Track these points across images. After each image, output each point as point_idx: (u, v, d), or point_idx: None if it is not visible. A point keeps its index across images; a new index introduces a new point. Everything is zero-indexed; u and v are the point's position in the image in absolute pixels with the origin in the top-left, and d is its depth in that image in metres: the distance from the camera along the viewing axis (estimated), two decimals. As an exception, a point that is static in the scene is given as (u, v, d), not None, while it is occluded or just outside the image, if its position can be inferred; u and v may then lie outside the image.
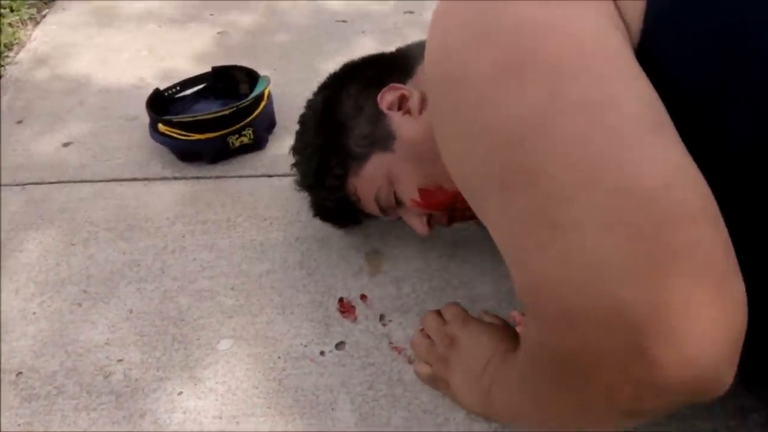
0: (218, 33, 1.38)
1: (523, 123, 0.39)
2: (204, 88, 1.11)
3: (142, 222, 0.91)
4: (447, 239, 0.88)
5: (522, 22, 0.42)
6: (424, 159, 0.66)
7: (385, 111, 0.70)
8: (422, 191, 0.69)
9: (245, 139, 1.00)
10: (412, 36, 1.30)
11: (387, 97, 0.70)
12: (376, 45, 1.30)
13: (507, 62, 0.41)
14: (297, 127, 0.82)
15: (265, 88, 1.01)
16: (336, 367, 0.72)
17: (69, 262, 0.86)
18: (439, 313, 0.71)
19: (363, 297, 0.80)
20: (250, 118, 0.99)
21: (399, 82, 0.71)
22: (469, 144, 0.43)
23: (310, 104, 0.79)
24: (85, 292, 0.82)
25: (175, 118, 0.96)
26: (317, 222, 0.91)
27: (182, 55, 1.29)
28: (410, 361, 0.72)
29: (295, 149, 0.80)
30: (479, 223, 0.76)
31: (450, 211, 0.72)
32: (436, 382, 0.67)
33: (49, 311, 0.79)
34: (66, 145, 1.06)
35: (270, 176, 1.00)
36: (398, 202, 0.73)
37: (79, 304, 0.80)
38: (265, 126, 1.04)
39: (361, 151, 0.71)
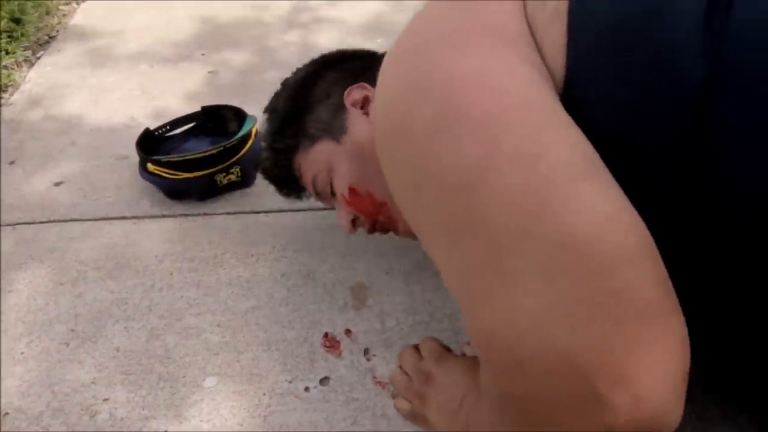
0: (209, 72, 1.42)
1: (464, 174, 0.41)
2: (194, 126, 1.14)
3: (130, 260, 0.93)
4: (432, 272, 0.89)
5: (453, 76, 0.43)
6: (362, 162, 0.70)
7: (348, 106, 0.74)
8: (352, 191, 0.73)
9: (233, 177, 1.02)
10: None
11: (353, 94, 0.74)
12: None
13: (442, 118, 0.43)
14: None
15: (252, 127, 1.04)
16: (320, 403, 0.73)
17: (57, 302, 0.87)
18: (417, 348, 0.72)
19: (348, 332, 0.81)
20: (238, 156, 1.01)
21: (371, 83, 0.74)
22: (416, 193, 0.45)
23: (297, 71, 0.83)
24: (72, 331, 0.82)
25: (164, 158, 0.98)
26: (304, 255, 0.93)
27: (173, 95, 1.32)
28: (393, 396, 0.73)
29: (267, 107, 0.84)
30: (404, 234, 0.79)
31: (372, 221, 0.76)
32: (415, 418, 0.68)
33: (37, 351, 0.80)
34: (57, 184, 1.08)
35: (257, 212, 1.02)
36: (333, 193, 0.77)
37: (67, 344, 0.81)
38: (253, 163, 1.06)
39: (314, 132, 0.75)
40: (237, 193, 1.05)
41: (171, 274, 0.91)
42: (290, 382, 0.75)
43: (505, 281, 0.37)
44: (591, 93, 0.43)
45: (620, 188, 0.39)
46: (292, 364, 0.77)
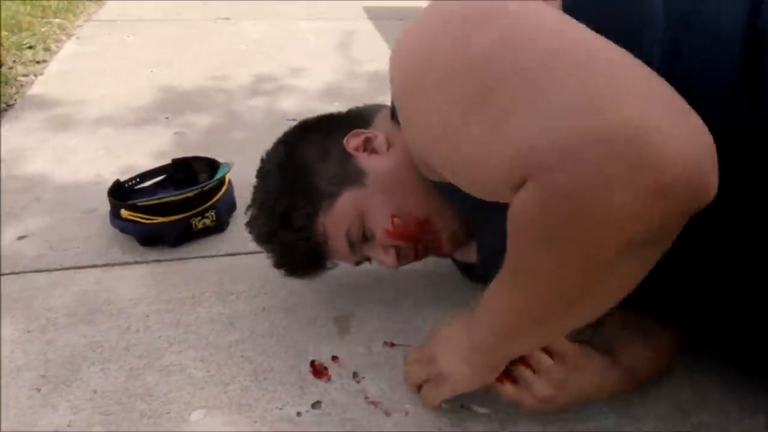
0: (175, 133, 1.44)
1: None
2: (164, 179, 1.15)
3: (103, 305, 0.90)
4: (411, 297, 0.92)
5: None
6: (396, 188, 0.73)
7: (352, 152, 0.76)
8: (395, 217, 0.74)
9: (208, 221, 1.03)
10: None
11: (352, 141, 0.76)
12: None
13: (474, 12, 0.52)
14: None
15: (227, 173, 1.06)
16: (314, 425, 0.71)
17: (25, 349, 0.82)
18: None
19: (334, 358, 0.81)
20: (213, 200, 1.03)
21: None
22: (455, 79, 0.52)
23: (269, 157, 0.82)
24: (43, 377, 0.78)
25: (139, 202, 0.99)
26: (283, 292, 0.93)
27: (140, 153, 1.34)
28: (387, 414, 0.73)
29: (255, 200, 0.82)
30: (443, 256, 0.82)
31: (416, 242, 0.77)
32: (437, 387, 0.69)
33: (5, 399, 0.75)
34: (21, 238, 1.05)
35: (232, 255, 1.02)
36: (366, 238, 0.77)
37: (38, 389, 0.76)
38: (227, 209, 1.08)
39: (331, 189, 0.75)
40: (211, 239, 1.05)
41: (147, 315, 0.88)
42: (281, 408, 0.74)
43: (543, 96, 0.45)
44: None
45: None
46: (281, 391, 0.76)
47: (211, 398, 0.75)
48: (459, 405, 0.74)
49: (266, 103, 1.62)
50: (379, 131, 0.77)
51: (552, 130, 0.44)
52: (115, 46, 2.04)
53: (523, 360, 0.66)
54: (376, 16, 2.50)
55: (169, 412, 0.73)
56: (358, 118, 0.80)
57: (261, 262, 1.00)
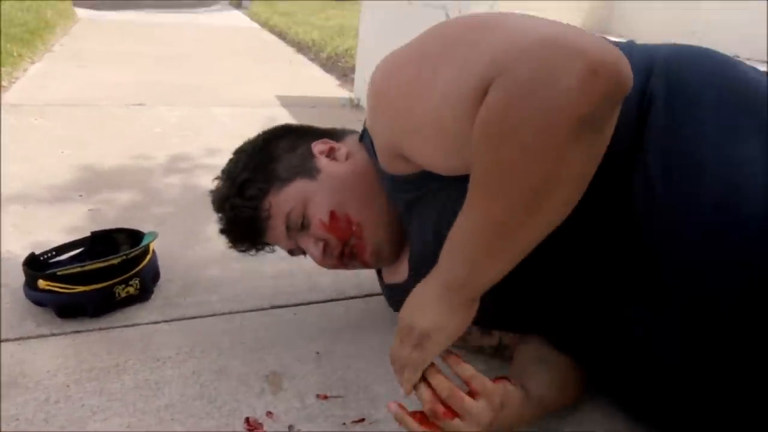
0: (89, 210, 1.42)
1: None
2: (81, 252, 1.13)
3: (17, 378, 0.85)
4: (341, 354, 0.95)
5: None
6: (342, 191, 0.86)
7: (316, 154, 0.90)
8: (332, 214, 0.86)
9: (131, 290, 1.02)
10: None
11: (319, 146, 0.92)
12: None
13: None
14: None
15: (152, 242, 1.07)
16: (252, 479, 0.71)
17: (-74, 430, 0.76)
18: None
19: (269, 414, 0.82)
20: (138, 268, 1.03)
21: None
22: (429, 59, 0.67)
23: (249, 141, 0.96)
24: (-52, 456, 0.72)
25: (59, 271, 0.97)
26: (214, 353, 0.94)
27: (52, 229, 1.30)
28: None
29: (224, 171, 0.95)
30: (364, 264, 0.91)
31: (344, 242, 0.87)
32: (417, 354, 0.69)
33: None
34: None
35: (157, 323, 1.01)
36: (303, 226, 0.88)
37: (-58, 470, 0.70)
38: (151, 277, 1.08)
39: (287, 175, 0.89)
40: (134, 308, 1.04)
41: (67, 386, 0.85)
42: (216, 466, 0.73)
43: (490, 34, 0.61)
44: None
45: None
46: (216, 449, 0.76)
47: (141, 462, 0.73)
48: (393, 447, 0.77)
49: (184, 180, 1.65)
50: (344, 146, 0.91)
51: (507, 44, 0.58)
52: (23, 129, 2.00)
53: (451, 410, 0.68)
54: (289, 103, 2.64)
55: (95, 480, 0.70)
56: (332, 133, 0.96)
57: (189, 327, 1.01)
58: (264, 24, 5.94)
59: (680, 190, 0.63)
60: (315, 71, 3.68)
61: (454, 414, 0.68)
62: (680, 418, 0.72)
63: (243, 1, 7.87)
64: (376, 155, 0.82)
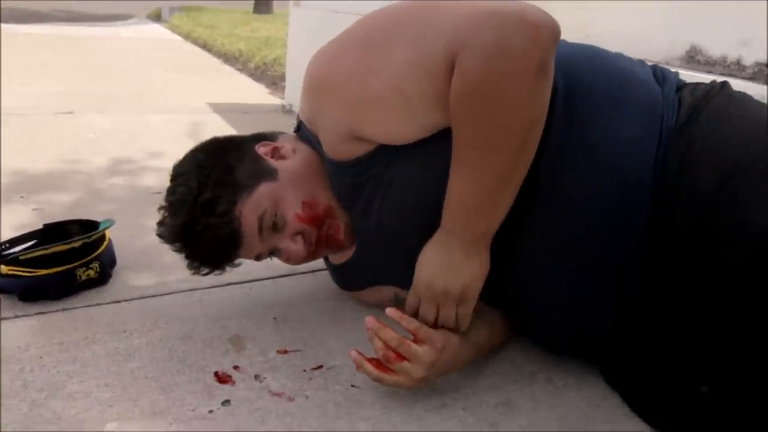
0: (33, 209, 1.44)
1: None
2: (34, 244, 1.17)
3: (-12, 354, 0.90)
4: (296, 317, 1.06)
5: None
6: (304, 180, 0.92)
7: (263, 157, 0.94)
8: (305, 204, 0.91)
9: (92, 273, 1.08)
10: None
11: (262, 149, 0.96)
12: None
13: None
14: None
15: (109, 227, 1.13)
16: (227, 416, 0.81)
17: None
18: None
19: (236, 367, 0.91)
20: (98, 252, 1.08)
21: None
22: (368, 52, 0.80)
23: (183, 163, 0.94)
24: (-69, 422, 0.77)
25: (21, 255, 1.01)
26: (177, 324, 1.02)
27: (-2, 227, 1.32)
28: (291, 399, 0.85)
29: (170, 200, 0.90)
30: (339, 246, 0.99)
31: (320, 226, 0.93)
32: (463, 309, 0.83)
33: None
34: None
35: (118, 302, 1.08)
36: (275, 228, 0.91)
37: (-72, 432, 0.75)
38: (108, 262, 1.13)
39: (250, 182, 0.90)
40: (93, 291, 1.09)
41: (41, 357, 0.90)
42: (193, 410, 0.82)
43: (439, 11, 0.75)
44: None
45: None
46: (190, 398, 0.84)
47: (122, 412, 0.80)
48: (350, 385, 0.88)
49: (127, 181, 1.69)
50: (284, 142, 0.97)
51: (461, 20, 0.71)
52: (-55, 137, 1.95)
53: (398, 354, 0.81)
54: (220, 110, 2.70)
55: (82, 425, 0.77)
56: (262, 137, 0.99)
57: (151, 304, 1.08)
58: (187, 36, 5.90)
59: (575, 169, 0.79)
60: (244, 80, 3.75)
61: (404, 358, 0.81)
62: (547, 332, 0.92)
63: (162, 16, 7.77)
64: (319, 144, 0.92)
